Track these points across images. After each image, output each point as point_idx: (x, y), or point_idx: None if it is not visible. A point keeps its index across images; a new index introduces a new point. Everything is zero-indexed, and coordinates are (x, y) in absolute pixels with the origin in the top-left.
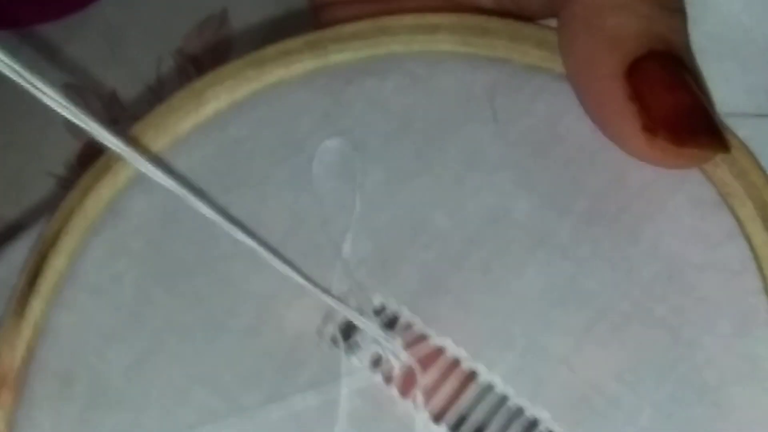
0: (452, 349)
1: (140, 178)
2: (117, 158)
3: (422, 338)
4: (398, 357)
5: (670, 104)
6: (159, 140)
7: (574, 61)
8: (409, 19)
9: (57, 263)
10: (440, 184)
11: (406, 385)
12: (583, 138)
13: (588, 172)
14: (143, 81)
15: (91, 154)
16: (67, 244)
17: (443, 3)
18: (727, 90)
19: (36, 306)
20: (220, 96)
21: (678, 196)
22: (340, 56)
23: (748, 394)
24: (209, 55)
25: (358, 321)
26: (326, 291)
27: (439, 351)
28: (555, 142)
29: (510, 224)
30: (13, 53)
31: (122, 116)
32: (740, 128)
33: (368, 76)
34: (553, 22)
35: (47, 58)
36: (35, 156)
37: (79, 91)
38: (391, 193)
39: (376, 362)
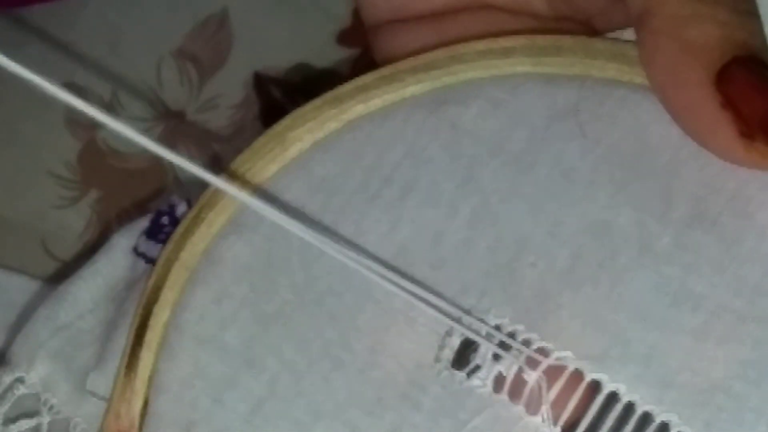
0: (573, 362)
1: (233, 224)
2: (207, 208)
3: (542, 354)
4: (522, 373)
5: (764, 107)
6: (246, 187)
7: (659, 74)
8: (481, 45)
9: (162, 316)
10: (537, 202)
11: (532, 401)
12: (673, 145)
13: (682, 178)
14: (143, 81)
15: (92, 154)
16: (169, 296)
17: (494, 18)
18: None
19: (147, 360)
20: (302, 137)
21: None
22: (417, 87)
23: None
24: (209, 55)
25: (482, 341)
26: (453, 315)
27: (560, 365)
28: (645, 152)
29: (612, 235)
30: (15, 52)
31: (122, 116)
32: None
33: (449, 104)
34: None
35: (47, 58)
36: (35, 156)
37: (79, 90)
38: (490, 216)
39: (498, 382)
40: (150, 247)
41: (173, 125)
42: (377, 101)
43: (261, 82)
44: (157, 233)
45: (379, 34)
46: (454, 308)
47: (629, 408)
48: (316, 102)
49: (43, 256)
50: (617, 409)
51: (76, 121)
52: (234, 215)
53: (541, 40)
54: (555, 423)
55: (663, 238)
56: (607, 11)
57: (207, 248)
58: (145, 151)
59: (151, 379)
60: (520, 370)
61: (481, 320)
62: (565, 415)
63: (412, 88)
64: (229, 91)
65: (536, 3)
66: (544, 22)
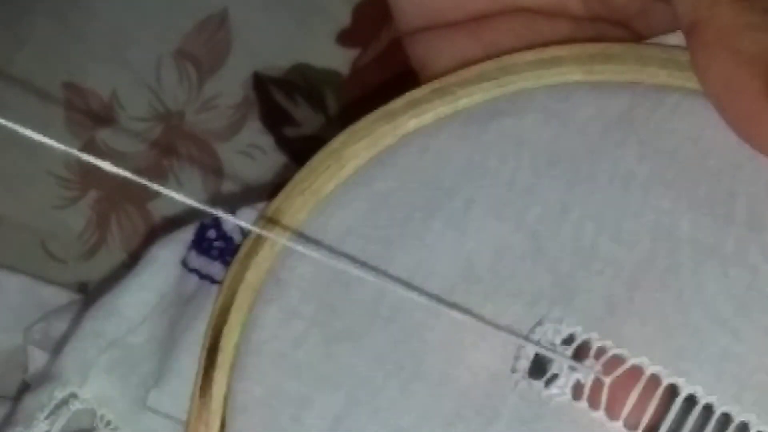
0: (650, 367)
1: (295, 242)
2: (270, 226)
3: (618, 360)
4: (600, 379)
5: None
6: (306, 205)
7: (714, 85)
8: (531, 55)
9: (232, 337)
10: (598, 210)
11: (612, 407)
12: (729, 149)
13: (741, 180)
14: (143, 81)
15: (92, 154)
16: (238, 317)
17: (530, 21)
18: None
19: (220, 381)
20: (359, 154)
21: None
22: (469, 99)
23: None
24: (209, 54)
25: (551, 352)
26: (514, 331)
27: (637, 370)
28: (702, 156)
29: (676, 240)
30: (13, 53)
31: (122, 116)
32: None
33: (503, 115)
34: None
35: (47, 58)
36: (35, 156)
37: (79, 90)
38: (553, 225)
39: (577, 390)
40: (203, 263)
41: (173, 125)
42: (430, 115)
43: (261, 82)
44: (207, 248)
45: (415, 41)
46: (525, 321)
47: (708, 410)
48: (369, 117)
49: (43, 256)
50: (696, 412)
51: (76, 121)
52: (296, 234)
53: (590, 47)
54: (635, 428)
55: (727, 241)
56: (646, 12)
57: (272, 268)
58: (145, 151)
59: (226, 400)
60: (598, 378)
61: (556, 330)
62: (645, 420)
63: (464, 101)
64: (229, 91)
65: (572, 4)
66: (579, 24)
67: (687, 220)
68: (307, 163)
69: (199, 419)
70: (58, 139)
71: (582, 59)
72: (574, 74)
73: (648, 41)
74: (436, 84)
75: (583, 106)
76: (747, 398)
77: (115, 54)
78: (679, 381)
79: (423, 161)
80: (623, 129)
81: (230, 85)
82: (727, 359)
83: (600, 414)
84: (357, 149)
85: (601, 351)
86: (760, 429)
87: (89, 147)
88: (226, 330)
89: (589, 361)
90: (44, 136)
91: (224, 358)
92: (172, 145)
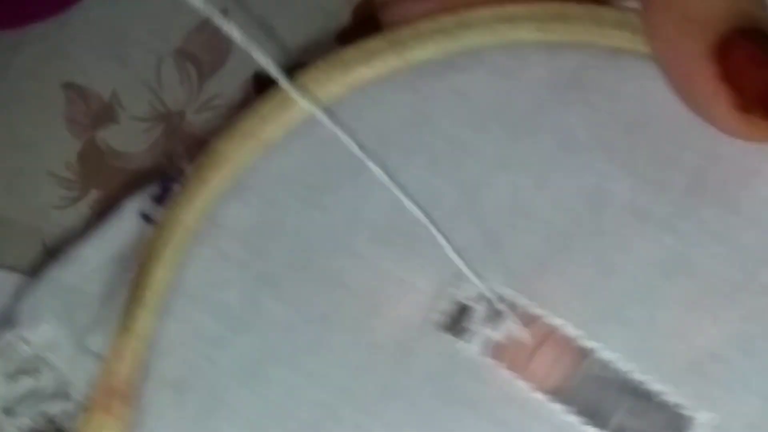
0: (565, 328)
1: (234, 185)
2: (208, 168)
3: (533, 318)
4: (512, 337)
5: (763, 81)
6: (248, 150)
7: (660, 45)
8: (487, 12)
9: (160, 275)
10: (536, 170)
11: (521, 365)
12: (675, 115)
13: (683, 147)
14: (143, 81)
15: (92, 154)
16: (168, 257)
17: None
18: None
19: (143, 318)
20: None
21: None
22: (422, 53)
23: None
24: (210, 54)
25: (473, 304)
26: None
27: (551, 331)
28: (647, 121)
29: (611, 203)
30: (13, 52)
31: (122, 116)
32: None
33: (454, 70)
34: None
35: (47, 58)
36: (35, 156)
37: (79, 90)
38: (489, 181)
39: (488, 346)
40: (158, 212)
41: (173, 125)
42: (381, 65)
43: (261, 82)
44: (165, 198)
45: (386, 7)
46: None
47: (619, 376)
48: (323, 66)
49: (43, 256)
50: (605, 378)
51: (76, 121)
52: (235, 176)
53: (547, 7)
54: (542, 390)
55: (662, 207)
56: None
57: (207, 209)
58: (145, 151)
59: (148, 338)
60: (510, 335)
61: (476, 285)
62: (552, 381)
63: (418, 54)
64: (228, 91)
65: None
66: None
67: (624, 184)
68: (255, 107)
69: (117, 355)
70: (58, 139)
71: (538, 18)
72: (528, 33)
73: (606, 4)
74: (390, 36)
75: (534, 65)
76: (660, 367)
77: (115, 54)
78: (595, 345)
79: (369, 111)
80: (571, 90)
81: (231, 85)
82: (645, 327)
83: (507, 372)
84: (307, 96)
85: (518, 309)
86: (676, 400)
87: (89, 147)
88: (154, 268)
89: (505, 319)
90: (44, 135)
91: (150, 296)
92: (173, 144)
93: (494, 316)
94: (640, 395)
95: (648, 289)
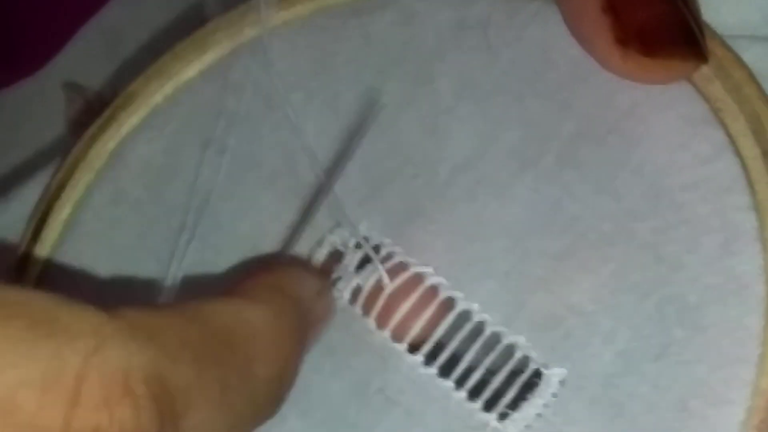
0: (431, 278)
1: (142, 128)
2: (121, 108)
3: (403, 267)
4: (379, 285)
5: (645, 15)
6: (162, 89)
7: None
8: None
9: (62, 213)
10: (430, 114)
11: (384, 315)
12: (573, 62)
13: (577, 95)
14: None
15: None
16: (71, 194)
17: None
18: (745, 11)
19: (40, 256)
20: (221, 42)
21: (668, 114)
22: None
23: (730, 313)
24: None
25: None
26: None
27: (418, 279)
28: (546, 68)
29: (498, 151)
30: None
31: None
32: (748, 50)
33: (363, 12)
34: None
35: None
36: (35, 155)
37: (79, 90)
38: (381, 126)
39: (355, 294)
40: None
41: None
42: (299, 8)
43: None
44: None
45: None
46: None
47: (480, 328)
48: (238, 10)
49: None
50: (466, 329)
51: (76, 120)
52: (146, 117)
53: None
54: (404, 339)
55: (547, 156)
56: None
57: (115, 149)
58: None
59: (40, 276)
60: (378, 284)
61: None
62: (415, 332)
63: None
64: None
65: None
66: None
67: (513, 130)
68: (171, 49)
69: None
70: (58, 139)
71: None
72: None
73: None
74: None
75: (444, 9)
76: (521, 319)
77: (115, 53)
78: (457, 295)
79: (282, 54)
80: (476, 34)
81: None
82: (510, 278)
83: (370, 321)
84: (220, 38)
85: (389, 257)
86: (526, 353)
87: None
88: (56, 206)
89: (372, 266)
90: (44, 136)
91: (48, 234)
92: None
93: (365, 263)
94: (499, 348)
95: (518, 238)
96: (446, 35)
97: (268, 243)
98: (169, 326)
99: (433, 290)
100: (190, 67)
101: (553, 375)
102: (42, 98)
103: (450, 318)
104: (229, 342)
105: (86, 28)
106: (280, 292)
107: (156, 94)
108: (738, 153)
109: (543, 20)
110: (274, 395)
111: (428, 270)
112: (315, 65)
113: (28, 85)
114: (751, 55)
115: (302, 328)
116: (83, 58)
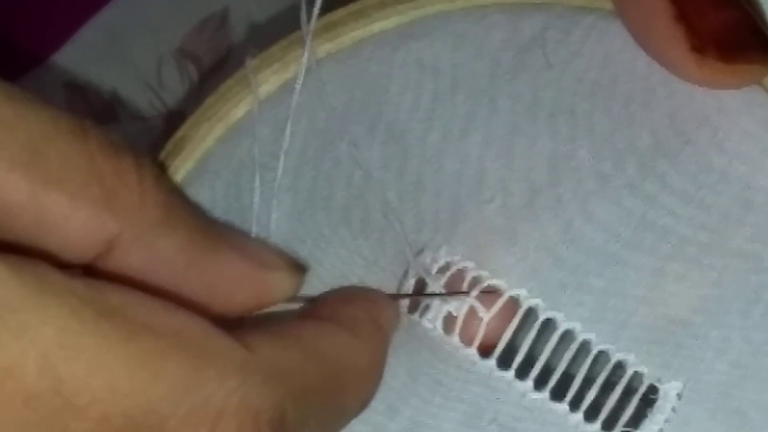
0: (528, 300)
1: (197, 172)
2: (173, 155)
3: (494, 290)
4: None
5: (717, 22)
6: (213, 132)
7: (624, 3)
8: None
9: None
10: (497, 136)
11: (486, 343)
12: (639, 74)
13: (647, 107)
14: (144, 80)
15: None
16: None
17: None
18: None
19: None
20: (269, 79)
21: (744, 119)
22: (385, 22)
23: None
24: (210, 54)
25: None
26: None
27: (514, 303)
28: (611, 81)
29: (573, 168)
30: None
31: (123, 115)
32: None
33: (415, 38)
34: None
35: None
36: None
37: (79, 90)
38: (450, 150)
39: (449, 323)
40: None
41: (173, 124)
42: (345, 39)
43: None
44: None
45: None
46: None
47: (586, 347)
48: (283, 42)
49: None
50: (572, 349)
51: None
52: (200, 162)
53: None
54: (510, 365)
55: (626, 170)
56: None
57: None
58: (145, 150)
59: None
60: (472, 311)
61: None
62: (519, 357)
63: (380, 24)
64: None
65: None
66: None
67: (586, 147)
68: (217, 89)
69: None
70: None
71: None
72: None
73: None
74: (353, 7)
75: (495, 29)
76: (626, 336)
77: (115, 53)
78: (557, 316)
79: (331, 88)
80: (533, 53)
81: None
82: (609, 295)
83: (472, 351)
84: (268, 74)
85: (477, 281)
86: (637, 369)
87: None
88: None
89: (464, 292)
90: None
91: None
92: None
93: (452, 290)
94: (602, 366)
95: (611, 255)
96: (502, 55)
97: (353, 281)
98: (295, 367)
99: (532, 313)
100: (239, 108)
101: (670, 389)
102: (42, 98)
103: (554, 340)
104: (339, 381)
105: (87, 28)
106: (377, 326)
107: (207, 137)
108: None
109: (601, 33)
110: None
111: (523, 292)
112: (368, 95)
113: (29, 85)
114: None
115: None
116: (84, 58)
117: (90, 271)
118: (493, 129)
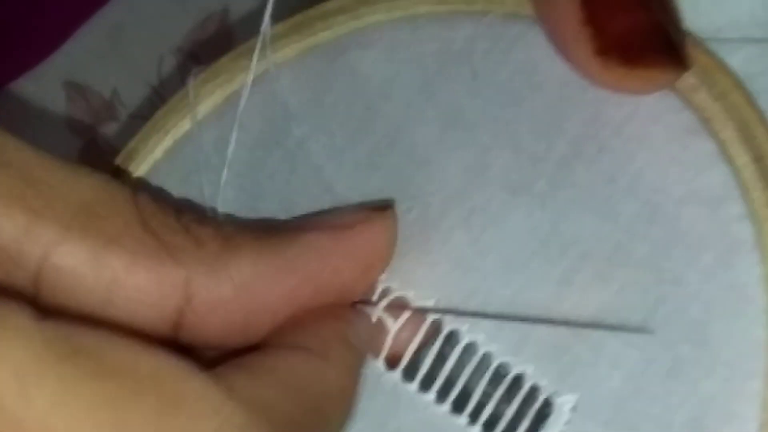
0: (433, 312)
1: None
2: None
3: (402, 303)
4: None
5: (625, 25)
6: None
7: (540, 10)
8: None
9: None
10: (419, 147)
11: (393, 356)
12: (559, 81)
13: (565, 116)
14: (144, 79)
15: (92, 153)
16: None
17: None
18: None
19: None
20: (214, 92)
21: (656, 127)
22: (328, 33)
23: (734, 326)
24: (210, 53)
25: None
26: None
27: (420, 315)
28: (533, 90)
29: (488, 179)
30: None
31: (123, 114)
32: (738, 52)
33: (350, 50)
34: None
35: (47, 57)
36: None
37: (79, 89)
38: (376, 162)
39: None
40: None
41: None
42: (289, 50)
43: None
44: None
45: None
46: None
47: (487, 359)
48: (229, 55)
49: None
50: (474, 362)
51: (77, 119)
52: (148, 174)
53: None
54: (414, 378)
55: (540, 180)
56: None
57: None
58: None
59: None
60: (380, 323)
61: None
62: (424, 369)
63: (323, 35)
64: None
65: None
66: None
67: (503, 157)
68: (166, 103)
69: None
70: (58, 139)
71: None
72: (425, 5)
73: None
74: (298, 18)
75: (426, 39)
76: (527, 348)
77: (115, 52)
78: (462, 328)
79: (272, 98)
80: (460, 62)
81: None
82: (513, 305)
83: (379, 363)
84: (213, 87)
85: (386, 292)
86: (535, 382)
87: (91, 145)
88: None
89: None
90: (44, 136)
91: None
92: None
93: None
94: (503, 379)
95: (520, 266)
96: (431, 65)
97: None
98: (274, 404)
99: (436, 325)
100: (186, 121)
101: (564, 403)
102: (42, 98)
103: (457, 352)
104: (318, 410)
105: (88, 26)
106: (347, 345)
107: (156, 149)
108: (730, 161)
109: (527, 42)
110: None
111: (429, 304)
112: (307, 106)
113: (29, 85)
114: (740, 57)
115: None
116: (84, 56)
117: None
118: (418, 140)
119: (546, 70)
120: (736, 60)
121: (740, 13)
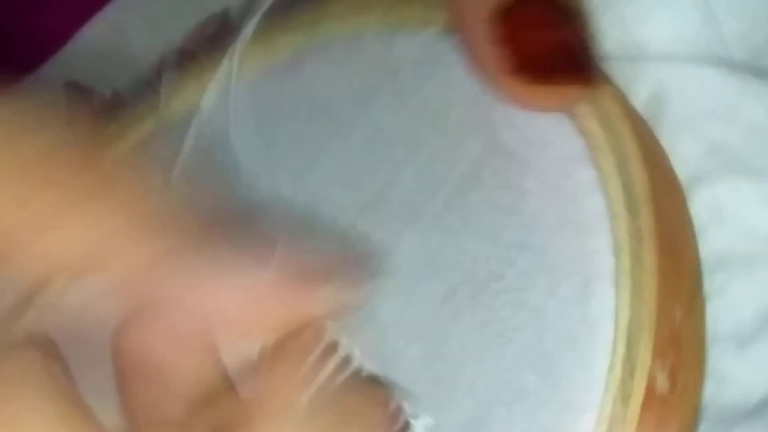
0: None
1: None
2: None
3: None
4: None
5: (533, 44)
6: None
7: (452, 12)
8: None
9: None
10: (341, 165)
11: None
12: (472, 101)
13: (469, 137)
14: (144, 79)
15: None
16: None
17: None
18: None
19: None
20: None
21: (546, 153)
22: (289, 47)
23: (578, 358)
24: (210, 53)
25: None
26: None
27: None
28: (450, 107)
29: (394, 197)
30: None
31: (123, 114)
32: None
33: (304, 62)
34: None
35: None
36: None
37: (80, 89)
38: (304, 178)
39: None
40: None
41: None
42: (256, 63)
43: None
44: None
45: None
46: None
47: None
48: (185, 73)
49: None
50: (347, 371)
51: (77, 119)
52: None
53: None
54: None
55: (437, 200)
56: None
57: None
58: None
59: None
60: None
61: None
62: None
63: (284, 49)
64: None
65: None
66: None
67: (411, 175)
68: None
69: None
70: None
71: (385, 2)
72: (374, 16)
73: None
74: (260, 36)
75: (368, 53)
76: (396, 368)
77: (115, 53)
78: (342, 340)
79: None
80: (390, 78)
81: None
82: (389, 328)
83: None
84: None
85: None
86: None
87: None
88: None
89: None
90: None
91: None
92: None
93: None
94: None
95: (404, 285)
96: (367, 80)
97: None
98: None
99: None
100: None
101: (420, 425)
102: (43, 97)
103: (332, 364)
104: None
105: (87, 27)
106: None
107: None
108: (605, 192)
109: (451, 60)
110: None
111: (323, 321)
112: (258, 123)
113: (29, 85)
114: (661, 74)
115: None
116: (85, 57)
117: None
118: (339, 157)
119: (461, 88)
120: (656, 77)
121: (661, 29)
